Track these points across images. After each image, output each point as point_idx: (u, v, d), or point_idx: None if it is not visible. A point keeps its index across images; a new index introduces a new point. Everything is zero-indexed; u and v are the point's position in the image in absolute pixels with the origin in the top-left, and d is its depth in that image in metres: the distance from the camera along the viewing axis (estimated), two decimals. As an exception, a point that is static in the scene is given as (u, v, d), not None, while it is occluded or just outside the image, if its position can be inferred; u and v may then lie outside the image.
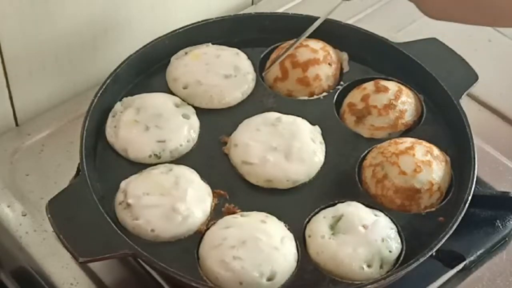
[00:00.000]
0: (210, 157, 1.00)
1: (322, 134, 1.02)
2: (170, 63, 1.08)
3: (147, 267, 0.94)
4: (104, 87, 1.01)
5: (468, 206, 0.92)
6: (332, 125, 1.03)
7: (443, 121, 1.04)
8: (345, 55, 1.10)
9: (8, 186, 1.05)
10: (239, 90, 1.05)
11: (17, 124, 1.13)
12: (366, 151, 1.00)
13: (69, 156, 1.06)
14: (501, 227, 1.00)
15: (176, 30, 1.09)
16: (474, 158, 0.97)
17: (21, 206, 1.03)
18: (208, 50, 1.09)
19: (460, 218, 0.91)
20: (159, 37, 1.08)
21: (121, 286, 0.97)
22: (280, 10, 1.29)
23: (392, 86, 1.05)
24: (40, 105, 1.13)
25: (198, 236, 0.92)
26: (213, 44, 1.10)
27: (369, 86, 1.05)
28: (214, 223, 0.92)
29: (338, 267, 0.89)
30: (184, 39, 1.09)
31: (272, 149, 0.98)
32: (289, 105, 1.05)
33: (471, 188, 0.93)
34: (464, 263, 0.97)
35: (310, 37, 1.06)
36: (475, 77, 1.06)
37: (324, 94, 1.07)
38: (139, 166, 0.97)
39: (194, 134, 1.01)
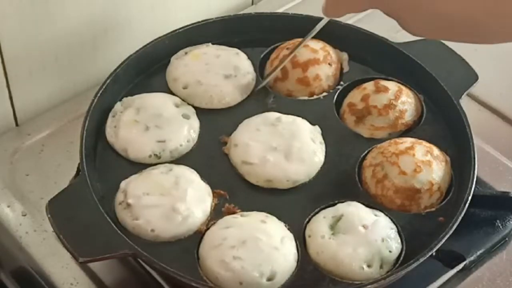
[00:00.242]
0: (210, 157, 1.00)
1: (322, 134, 1.02)
2: (170, 63, 1.08)
3: (147, 267, 0.94)
4: (104, 87, 1.01)
5: (468, 206, 0.92)
6: (332, 125, 1.03)
7: (443, 121, 1.04)
8: (345, 55, 1.10)
9: (8, 186, 1.05)
10: (239, 90, 1.05)
11: (17, 124, 1.13)
12: (366, 151, 1.00)
13: (69, 156, 1.06)
14: (501, 227, 1.00)
15: (176, 30, 1.09)
16: (474, 158, 0.97)
17: (21, 206, 1.03)
18: (208, 50, 1.09)
19: (460, 218, 0.91)
20: (159, 37, 1.08)
21: (121, 286, 0.97)
22: (280, 10, 1.29)
23: (392, 86, 1.05)
24: (40, 105, 1.13)
25: (198, 236, 0.92)
26: (213, 44, 1.10)
27: (369, 86, 1.05)
28: (214, 223, 0.92)
29: (338, 267, 0.89)
30: (184, 39, 1.09)
31: (272, 149, 0.98)
32: (289, 105, 1.05)
33: (471, 188, 0.93)
34: (464, 263, 0.97)
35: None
36: (475, 77, 1.06)
37: (324, 94, 1.07)
38: (139, 166, 0.97)
39: (194, 134, 1.01)
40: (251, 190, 0.97)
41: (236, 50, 1.09)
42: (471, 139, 0.98)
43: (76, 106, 1.13)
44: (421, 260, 0.87)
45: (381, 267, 0.90)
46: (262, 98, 1.06)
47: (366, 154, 1.00)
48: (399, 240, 0.92)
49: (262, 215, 0.93)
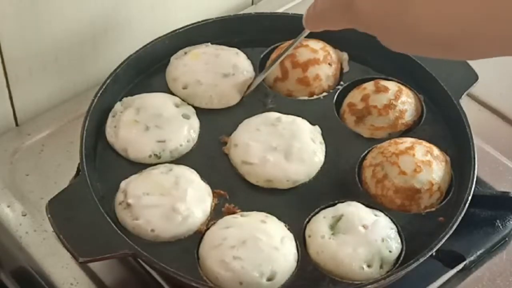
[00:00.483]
0: (210, 157, 1.00)
1: (322, 134, 1.02)
2: (170, 63, 1.08)
3: (147, 267, 0.94)
4: (104, 87, 1.01)
5: (468, 206, 0.92)
6: (332, 125, 1.03)
7: (443, 121, 1.04)
8: (345, 55, 1.10)
9: (8, 186, 1.05)
10: (238, 88, 1.05)
11: (17, 124, 1.13)
12: (366, 151, 1.00)
13: (69, 156, 1.06)
14: (501, 227, 1.00)
15: (176, 30, 1.09)
16: (474, 158, 0.97)
17: (21, 206, 1.03)
18: (207, 50, 1.09)
19: (460, 218, 0.91)
20: (159, 37, 1.08)
21: (121, 286, 0.97)
22: (280, 10, 1.29)
23: (392, 86, 1.05)
24: (40, 105, 1.13)
25: (198, 236, 0.92)
26: (212, 44, 1.10)
27: (369, 86, 1.05)
28: (214, 223, 0.92)
29: (338, 267, 0.89)
30: (184, 39, 1.09)
31: (272, 149, 0.98)
32: (289, 105, 1.05)
33: (471, 188, 0.93)
34: (464, 263, 0.97)
35: (310, 37, 1.06)
36: (475, 77, 1.06)
37: (324, 94, 1.07)
38: (139, 166, 0.97)
39: (194, 134, 1.01)
40: (251, 190, 0.97)
41: (235, 50, 1.09)
42: (471, 139, 0.98)
43: (76, 106, 1.13)
44: (421, 260, 0.87)
45: (381, 267, 0.90)
46: (262, 98, 1.06)
47: (366, 154, 1.00)
48: (399, 240, 0.92)
49: (262, 215, 0.93)
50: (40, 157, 1.08)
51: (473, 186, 0.94)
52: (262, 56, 1.10)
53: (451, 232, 0.90)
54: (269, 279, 0.87)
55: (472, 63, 1.07)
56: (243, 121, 1.02)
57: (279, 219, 0.93)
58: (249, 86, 1.06)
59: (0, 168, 1.07)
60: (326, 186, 0.97)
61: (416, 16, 0.62)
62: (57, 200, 0.90)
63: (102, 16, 1.11)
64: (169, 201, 0.92)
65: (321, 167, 0.99)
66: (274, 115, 1.02)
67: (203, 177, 0.96)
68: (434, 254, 0.89)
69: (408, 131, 1.03)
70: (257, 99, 1.06)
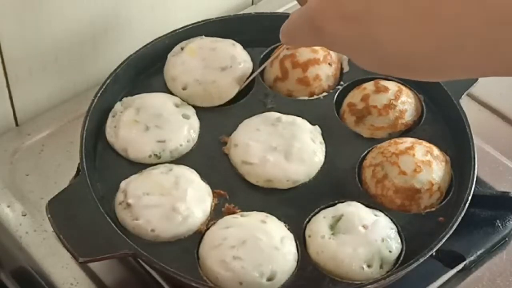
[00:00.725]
0: (210, 157, 1.00)
1: (322, 134, 1.02)
2: (167, 60, 1.08)
3: (147, 267, 0.94)
4: (104, 87, 1.01)
5: (468, 206, 0.92)
6: (332, 125, 1.03)
7: (443, 121, 1.04)
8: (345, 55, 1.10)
9: (8, 186, 1.05)
10: (236, 81, 1.05)
11: (17, 124, 1.13)
12: (366, 151, 1.00)
13: (69, 156, 1.06)
14: (501, 227, 1.00)
15: (176, 30, 1.09)
16: (474, 158, 0.97)
17: (21, 206, 1.03)
18: (203, 44, 1.08)
19: (460, 218, 0.91)
20: (159, 37, 1.08)
21: (121, 286, 0.97)
22: (280, 10, 1.29)
23: (392, 86, 1.05)
24: (40, 105, 1.13)
25: (198, 236, 0.92)
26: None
27: (369, 86, 1.05)
28: (214, 223, 0.92)
29: (338, 267, 0.89)
30: (184, 39, 1.09)
31: (272, 149, 0.98)
32: (289, 105, 1.05)
33: (471, 188, 0.93)
34: (464, 263, 0.97)
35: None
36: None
37: (324, 94, 1.07)
38: (139, 166, 0.97)
39: (194, 134, 1.01)
40: (251, 190, 0.97)
41: (231, 41, 1.09)
42: (471, 139, 0.98)
43: (76, 106, 1.13)
44: (421, 260, 0.87)
45: (381, 267, 0.90)
46: (262, 98, 1.06)
47: (366, 154, 1.00)
48: (399, 240, 0.92)
49: (262, 215, 0.93)
50: (40, 157, 1.08)
51: (473, 186, 0.94)
52: (262, 56, 1.10)
53: (451, 232, 0.90)
54: (269, 279, 0.87)
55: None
56: (243, 121, 1.02)
57: (279, 219, 0.93)
58: (247, 78, 1.06)
59: (0, 168, 1.07)
60: (326, 186, 0.97)
61: (379, 37, 0.62)
62: (57, 200, 0.90)
63: (102, 16, 1.11)
64: (169, 201, 0.92)
65: (321, 167, 0.99)
66: (274, 115, 1.02)
67: (203, 177, 0.96)
68: (434, 254, 0.89)
69: (408, 131, 1.03)
70: (257, 99, 1.06)
